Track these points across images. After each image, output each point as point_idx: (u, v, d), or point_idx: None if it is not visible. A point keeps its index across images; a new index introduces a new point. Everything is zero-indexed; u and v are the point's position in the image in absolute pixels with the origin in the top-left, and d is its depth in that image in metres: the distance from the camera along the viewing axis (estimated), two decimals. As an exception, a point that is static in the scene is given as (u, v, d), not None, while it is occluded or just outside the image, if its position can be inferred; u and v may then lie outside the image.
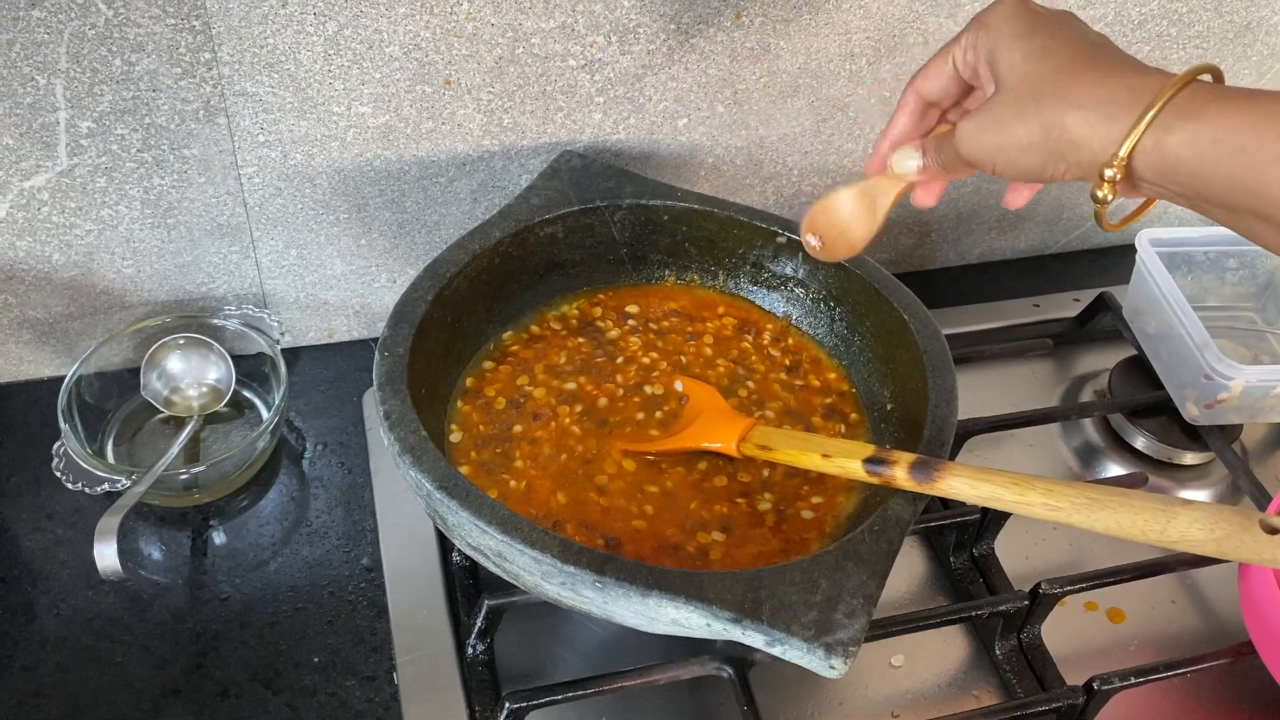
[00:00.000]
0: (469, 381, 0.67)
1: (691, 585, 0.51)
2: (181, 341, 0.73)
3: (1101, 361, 0.86)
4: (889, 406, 0.67)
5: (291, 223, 0.73)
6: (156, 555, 0.68)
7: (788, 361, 0.71)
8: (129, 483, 0.65)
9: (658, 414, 0.66)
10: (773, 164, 0.81)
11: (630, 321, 0.71)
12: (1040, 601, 0.65)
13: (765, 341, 0.72)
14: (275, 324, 0.75)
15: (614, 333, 0.71)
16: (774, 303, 0.73)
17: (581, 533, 0.60)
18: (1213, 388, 0.72)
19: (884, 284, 0.67)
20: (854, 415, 0.68)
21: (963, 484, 0.54)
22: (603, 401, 0.66)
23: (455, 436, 0.64)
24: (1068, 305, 0.90)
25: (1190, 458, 0.77)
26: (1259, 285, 0.85)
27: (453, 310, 0.65)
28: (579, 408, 0.66)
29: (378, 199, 0.74)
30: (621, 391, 0.67)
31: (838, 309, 0.71)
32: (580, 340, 0.70)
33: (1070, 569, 0.67)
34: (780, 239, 0.71)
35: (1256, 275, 0.84)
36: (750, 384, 0.69)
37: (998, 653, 0.66)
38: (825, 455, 0.58)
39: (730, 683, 0.60)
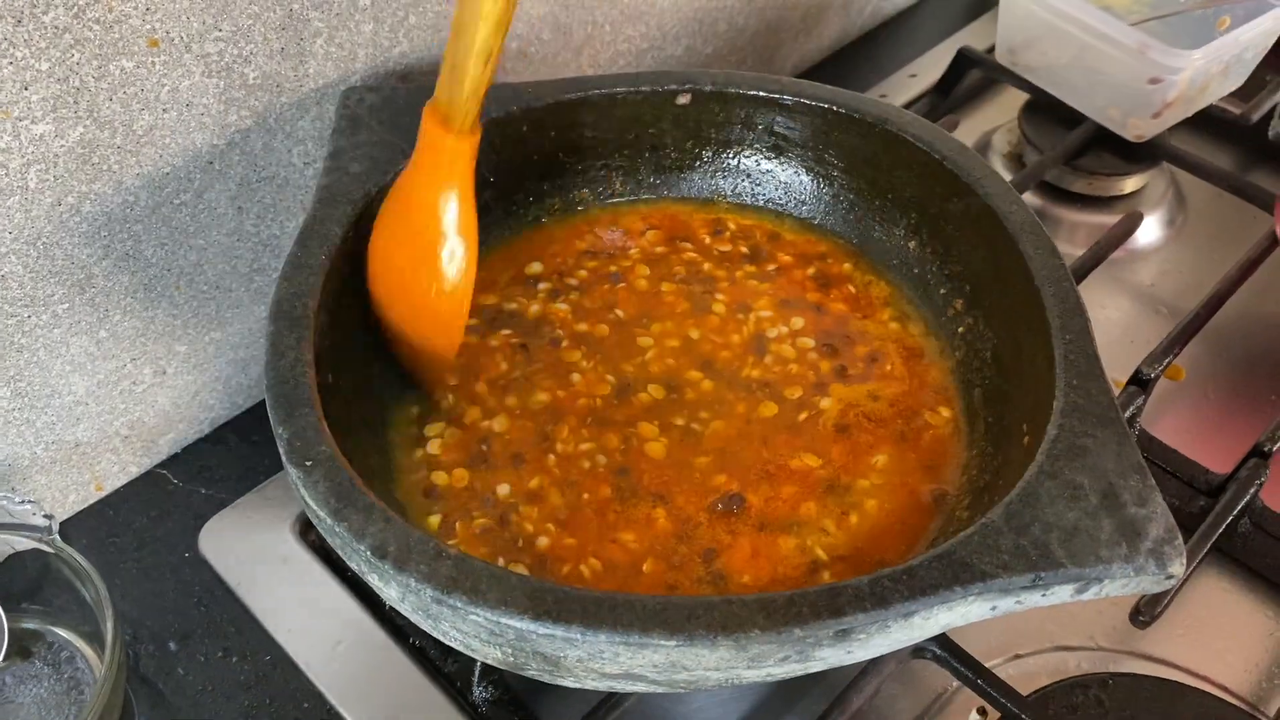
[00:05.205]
0: (417, 455, 0.45)
1: (957, 566, 0.34)
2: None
3: (985, 122, 0.76)
4: (959, 305, 0.50)
5: (-16, 348, 0.46)
6: None
7: (745, 249, 0.54)
8: None
9: (677, 420, 0.47)
10: (581, 27, 0.62)
11: (542, 285, 0.51)
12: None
13: (712, 242, 0.54)
14: (29, 507, 0.47)
15: (534, 308, 0.50)
16: (703, 187, 0.56)
17: (668, 574, 0.41)
18: (1161, 90, 0.63)
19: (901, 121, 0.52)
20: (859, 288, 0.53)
21: None
22: (592, 400, 0.47)
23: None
24: (906, 84, 0.79)
25: (1132, 183, 0.69)
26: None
27: (333, 366, 0.42)
28: (573, 418, 0.46)
29: (104, 261, 0.47)
30: (608, 388, 0.47)
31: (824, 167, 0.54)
32: (507, 333, 0.49)
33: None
34: (682, 99, 0.53)
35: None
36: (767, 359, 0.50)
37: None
38: None
39: None
